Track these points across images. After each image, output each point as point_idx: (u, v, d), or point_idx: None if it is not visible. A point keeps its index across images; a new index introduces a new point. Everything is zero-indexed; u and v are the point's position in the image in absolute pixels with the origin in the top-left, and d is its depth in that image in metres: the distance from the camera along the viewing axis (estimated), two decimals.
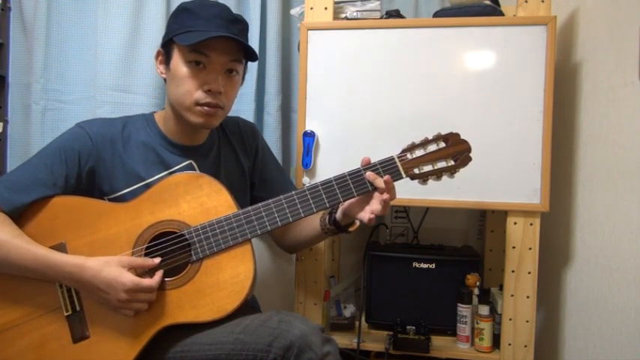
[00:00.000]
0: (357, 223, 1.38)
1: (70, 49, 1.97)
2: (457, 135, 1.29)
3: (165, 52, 1.33)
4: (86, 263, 1.17)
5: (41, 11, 1.91)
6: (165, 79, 1.35)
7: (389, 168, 1.27)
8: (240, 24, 1.32)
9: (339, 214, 1.35)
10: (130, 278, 1.15)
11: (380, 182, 1.24)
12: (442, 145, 1.28)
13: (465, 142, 1.29)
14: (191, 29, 1.26)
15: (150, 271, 1.21)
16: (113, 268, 1.16)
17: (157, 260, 1.21)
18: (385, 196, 1.24)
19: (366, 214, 1.26)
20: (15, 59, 1.99)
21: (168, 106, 1.36)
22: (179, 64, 1.28)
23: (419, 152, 1.28)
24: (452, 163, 1.28)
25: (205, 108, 1.28)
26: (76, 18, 1.97)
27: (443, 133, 1.29)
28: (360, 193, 1.26)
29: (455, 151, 1.28)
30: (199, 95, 1.28)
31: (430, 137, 1.29)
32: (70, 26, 1.97)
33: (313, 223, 1.42)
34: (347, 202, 1.31)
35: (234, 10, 1.91)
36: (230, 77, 1.32)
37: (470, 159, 1.28)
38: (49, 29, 1.93)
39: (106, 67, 1.90)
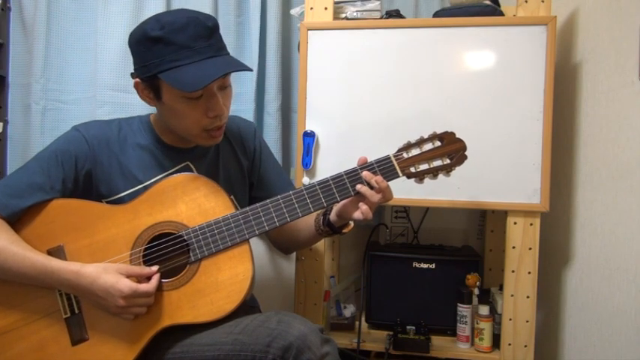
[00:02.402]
0: (351, 224, 1.37)
1: (70, 49, 1.98)
2: (452, 134, 1.29)
3: (149, 85, 1.26)
4: (83, 270, 1.17)
5: (41, 11, 1.92)
6: (153, 105, 1.32)
7: (385, 167, 1.27)
8: (216, 31, 1.26)
9: (332, 216, 1.35)
10: (127, 284, 1.15)
11: (374, 182, 1.24)
12: (438, 143, 1.29)
13: (460, 140, 1.29)
14: (177, 64, 1.19)
15: None
16: (110, 274, 1.16)
17: (155, 268, 1.20)
18: (379, 196, 1.24)
19: (359, 213, 1.26)
20: (15, 59, 2.00)
21: (162, 119, 1.34)
22: (174, 101, 1.24)
23: (415, 151, 1.28)
24: (447, 161, 1.28)
25: (212, 132, 1.29)
26: (76, 18, 1.98)
27: (438, 132, 1.29)
28: (356, 192, 1.26)
29: (450, 149, 1.28)
30: (206, 122, 1.27)
31: (426, 136, 1.29)
32: (70, 26, 1.98)
33: (308, 224, 1.42)
34: (341, 203, 1.31)
35: (234, 11, 1.95)
36: (225, 91, 1.30)
37: (465, 157, 1.28)
38: (49, 29, 1.94)
39: (106, 67, 1.91)
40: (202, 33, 1.21)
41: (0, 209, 1.21)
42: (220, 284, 1.20)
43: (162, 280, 1.21)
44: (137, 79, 1.28)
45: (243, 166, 1.48)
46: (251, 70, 1.34)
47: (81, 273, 1.16)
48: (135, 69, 1.28)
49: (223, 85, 1.28)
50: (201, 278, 1.21)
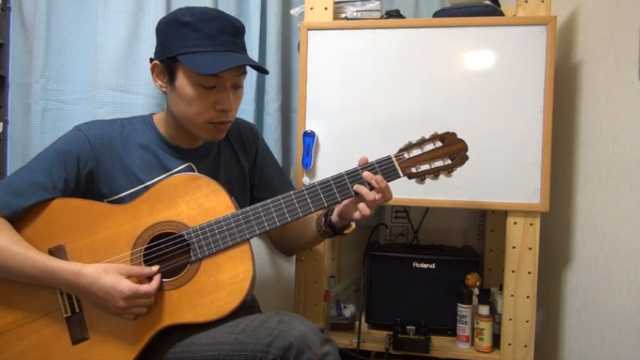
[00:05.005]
0: (353, 225, 1.37)
1: (70, 49, 1.98)
2: (454, 134, 1.29)
3: (166, 68, 1.29)
4: (83, 270, 1.17)
5: (41, 11, 1.92)
6: (165, 92, 1.33)
7: (386, 167, 1.27)
8: (242, 33, 1.31)
9: (334, 216, 1.35)
10: (127, 285, 1.14)
11: (375, 182, 1.24)
12: (439, 144, 1.29)
13: (461, 141, 1.29)
14: (198, 50, 1.23)
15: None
16: (111, 275, 1.16)
17: (156, 268, 1.20)
18: (378, 195, 1.24)
19: (359, 212, 1.26)
20: (15, 59, 2.00)
21: (169, 113, 1.35)
22: (187, 85, 1.25)
23: (416, 152, 1.28)
24: (449, 162, 1.28)
25: (216, 127, 1.30)
26: (76, 18, 1.98)
27: (439, 132, 1.29)
28: (357, 192, 1.26)
29: (451, 150, 1.28)
30: (212, 115, 1.28)
31: (427, 137, 1.29)
32: (70, 26, 1.97)
33: (310, 224, 1.42)
34: (342, 204, 1.31)
35: (234, 11, 1.95)
36: (237, 92, 1.32)
37: (467, 158, 1.28)
38: (49, 29, 1.94)
39: (106, 67, 1.91)
40: (228, 29, 1.26)
41: (2, 208, 1.21)
42: (221, 284, 1.20)
43: (163, 280, 1.21)
44: (155, 62, 1.30)
45: (244, 168, 1.48)
46: (267, 72, 1.37)
47: (81, 273, 1.16)
48: (156, 51, 1.31)
49: (237, 84, 1.30)
50: (201, 278, 1.21)
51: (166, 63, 1.28)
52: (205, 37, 1.23)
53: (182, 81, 1.26)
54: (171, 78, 1.28)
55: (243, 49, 1.31)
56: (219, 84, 1.26)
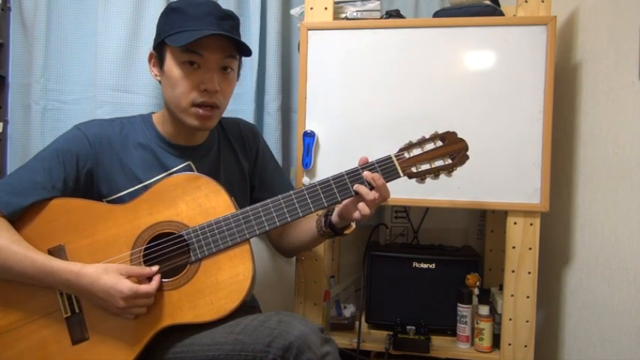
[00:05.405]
0: (353, 225, 1.37)
1: (70, 49, 1.98)
2: (454, 134, 1.29)
3: (158, 55, 1.32)
4: (83, 270, 1.16)
5: (41, 11, 1.92)
6: (160, 82, 1.34)
7: (386, 167, 1.27)
8: (230, 20, 1.31)
9: (334, 216, 1.35)
10: (127, 286, 1.14)
11: (372, 181, 1.24)
12: (439, 143, 1.29)
13: (462, 140, 1.29)
14: (182, 29, 1.25)
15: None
16: (111, 275, 1.16)
17: (156, 268, 1.20)
18: (377, 194, 1.24)
19: (358, 212, 1.26)
20: (15, 59, 2.00)
21: (165, 108, 1.36)
22: (173, 66, 1.27)
23: (416, 151, 1.28)
24: (449, 161, 1.28)
25: (201, 110, 1.28)
26: (76, 18, 1.98)
27: (440, 132, 1.29)
28: (357, 192, 1.26)
29: (452, 149, 1.28)
30: (195, 95, 1.28)
31: (427, 136, 1.29)
32: (70, 26, 1.97)
33: (310, 225, 1.42)
34: (342, 204, 1.31)
35: (234, 10, 1.93)
36: (225, 75, 1.31)
37: (467, 157, 1.28)
38: (49, 29, 1.94)
39: (106, 67, 1.91)
40: (215, 12, 1.27)
41: (1, 207, 1.21)
42: (221, 284, 1.20)
43: (163, 280, 1.21)
44: (151, 52, 1.34)
45: (244, 168, 1.48)
46: (250, 54, 1.35)
47: (81, 273, 1.16)
48: (153, 43, 1.35)
49: (223, 64, 1.30)
50: (201, 278, 1.21)
51: (157, 50, 1.31)
52: (191, 18, 1.26)
53: (169, 63, 1.28)
54: (161, 64, 1.30)
55: (228, 31, 1.29)
56: (204, 64, 1.27)
